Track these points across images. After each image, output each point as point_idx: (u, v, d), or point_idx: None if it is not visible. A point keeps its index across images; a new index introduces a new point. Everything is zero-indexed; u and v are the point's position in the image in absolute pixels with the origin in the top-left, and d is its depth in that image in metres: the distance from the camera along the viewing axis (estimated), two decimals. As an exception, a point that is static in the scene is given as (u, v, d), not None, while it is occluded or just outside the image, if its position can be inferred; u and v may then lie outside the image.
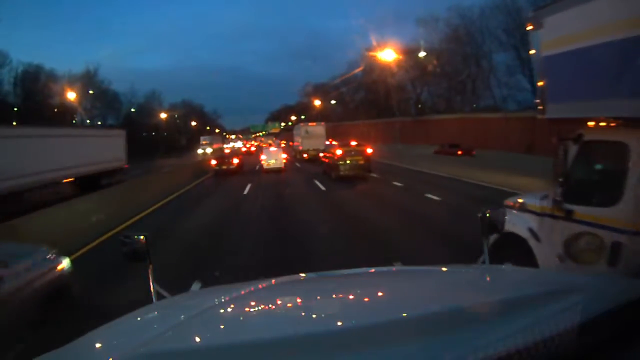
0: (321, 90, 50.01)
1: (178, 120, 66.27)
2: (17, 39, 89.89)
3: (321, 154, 24.59)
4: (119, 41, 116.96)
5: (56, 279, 3.04)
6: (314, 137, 28.12)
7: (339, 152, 15.58)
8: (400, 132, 34.78)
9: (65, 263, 3.27)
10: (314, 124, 29.96)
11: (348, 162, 15.40)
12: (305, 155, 28.18)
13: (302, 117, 59.57)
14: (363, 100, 53.79)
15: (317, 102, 49.91)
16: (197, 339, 1.09)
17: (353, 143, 17.55)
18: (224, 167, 20.49)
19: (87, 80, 46.05)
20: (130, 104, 54.53)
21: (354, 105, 53.04)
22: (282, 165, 21.07)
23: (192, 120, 67.44)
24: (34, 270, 2.82)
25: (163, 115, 47.39)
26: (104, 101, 51.24)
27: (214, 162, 21.10)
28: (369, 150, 16.23)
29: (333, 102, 52.76)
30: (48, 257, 3.14)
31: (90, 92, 44.89)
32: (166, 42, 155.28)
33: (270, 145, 35.34)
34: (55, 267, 3.10)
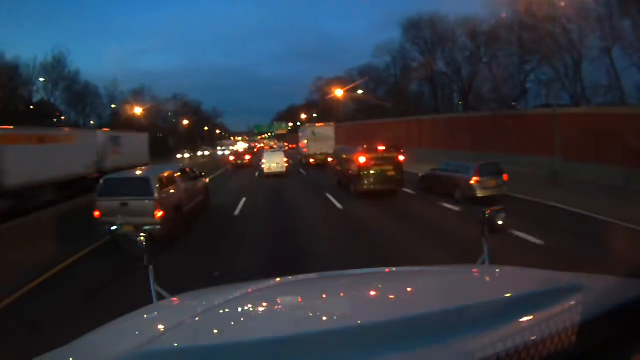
0: (335, 84, 45.14)
1: (175, 120, 61.59)
2: (18, 38, 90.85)
3: (329, 159, 24.28)
4: (123, 42, 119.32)
5: (206, 184, 11.65)
6: (321, 139, 26.04)
7: (362, 159, 12.39)
8: (452, 134, 26.22)
9: (207, 180, 12.12)
10: (322, 124, 27.91)
11: (374, 172, 12.37)
12: (311, 160, 26.16)
13: (315, 115, 54.58)
14: (388, 94, 47.39)
15: (338, 92, 38.53)
16: (197, 339, 1.13)
17: (380, 147, 13.55)
18: (239, 162, 28.96)
19: (52, 69, 41.09)
20: (111, 99, 49.74)
21: (375, 102, 46.08)
22: (284, 170, 20.68)
23: (184, 119, 61.39)
24: (202, 179, 11.39)
25: (138, 111, 40.91)
26: (77, 96, 46.25)
27: (232, 157, 30.35)
28: (401, 158, 13.02)
29: (360, 91, 45.41)
30: (203, 177, 11.69)
31: (42, 79, 39.30)
32: (172, 43, 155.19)
33: (271, 148, 36.30)
34: (205, 180, 11.81)
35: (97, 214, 7.36)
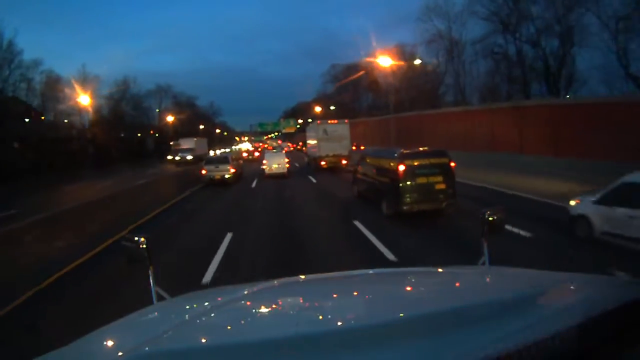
0: (354, 71, 40.45)
1: (159, 116, 56.79)
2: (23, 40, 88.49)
3: (343, 161, 23.69)
4: (128, 42, 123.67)
5: (242, 163, 26.81)
6: (335, 138, 24.31)
7: (401, 166, 9.62)
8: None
9: (241, 161, 27.66)
10: (336, 121, 25.84)
11: (419, 184, 9.60)
12: (322, 163, 24.35)
13: (332, 107, 49.67)
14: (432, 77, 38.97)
15: (383, 61, 27.46)
16: (197, 340, 1.19)
17: (425, 149, 10.14)
18: (251, 157, 42.28)
19: None
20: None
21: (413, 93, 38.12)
22: (285, 171, 21.95)
23: (169, 114, 55.35)
24: (240, 160, 28.64)
25: (85, 101, 34.86)
26: (43, 90, 40.40)
27: (245, 154, 42.94)
28: (453, 164, 10.14)
29: (417, 61, 35.33)
30: (239, 160, 27.98)
31: None
32: (177, 43, 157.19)
33: (274, 148, 40.32)
34: (241, 161, 27.61)
35: (204, 172, 19.32)
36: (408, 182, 9.45)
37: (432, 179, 9.56)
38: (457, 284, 1.67)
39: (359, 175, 12.87)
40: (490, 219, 2.06)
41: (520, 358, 0.84)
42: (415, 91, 38.56)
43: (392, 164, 9.91)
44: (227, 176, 18.95)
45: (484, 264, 2.02)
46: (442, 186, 9.60)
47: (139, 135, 50.69)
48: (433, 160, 9.75)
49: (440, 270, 1.99)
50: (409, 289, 1.69)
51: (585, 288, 1.28)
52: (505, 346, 0.84)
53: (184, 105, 62.28)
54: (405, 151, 9.97)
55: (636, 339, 0.98)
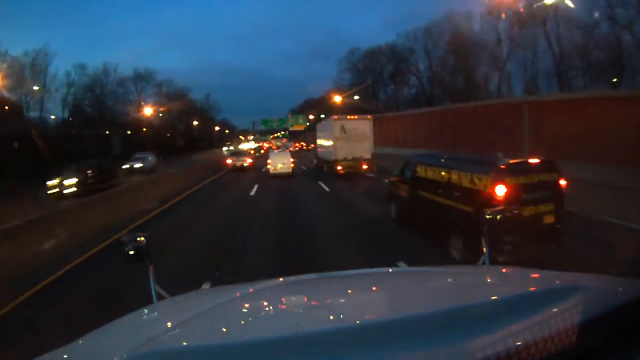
0: (377, 56, 36.58)
1: (153, 111, 49.82)
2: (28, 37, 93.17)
3: (364, 166, 21.28)
4: (134, 41, 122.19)
5: (252, 161, 32.49)
6: (355, 138, 20.68)
7: (501, 189, 6.09)
8: None
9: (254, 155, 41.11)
10: (356, 117, 22.34)
11: (524, 218, 5.86)
12: (339, 168, 20.62)
13: (356, 97, 45.01)
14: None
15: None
16: (197, 339, 1.21)
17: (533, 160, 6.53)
18: (257, 154, 49.79)
19: None
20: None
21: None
22: (290, 170, 22.64)
23: (146, 106, 47.36)
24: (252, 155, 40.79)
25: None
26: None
27: (251, 151, 46.81)
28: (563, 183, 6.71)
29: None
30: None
31: None
32: (182, 42, 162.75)
33: (277, 147, 41.68)
34: (251, 157, 34.65)
35: (229, 161, 28.37)
36: (511, 213, 5.82)
37: (541, 208, 6.24)
38: (457, 284, 1.69)
39: (401, 191, 9.29)
40: (490, 217, 2.13)
41: (520, 358, 0.86)
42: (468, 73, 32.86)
43: (479, 181, 6.43)
44: (245, 164, 27.74)
45: (483, 263, 2.13)
46: (552, 219, 6.35)
47: (107, 132, 44.03)
48: (542, 177, 6.42)
49: (440, 270, 2.09)
50: (409, 289, 1.70)
51: (586, 288, 1.26)
52: (506, 346, 0.87)
53: (173, 97, 55.49)
54: (510, 161, 6.41)
55: (636, 339, 1.00)
